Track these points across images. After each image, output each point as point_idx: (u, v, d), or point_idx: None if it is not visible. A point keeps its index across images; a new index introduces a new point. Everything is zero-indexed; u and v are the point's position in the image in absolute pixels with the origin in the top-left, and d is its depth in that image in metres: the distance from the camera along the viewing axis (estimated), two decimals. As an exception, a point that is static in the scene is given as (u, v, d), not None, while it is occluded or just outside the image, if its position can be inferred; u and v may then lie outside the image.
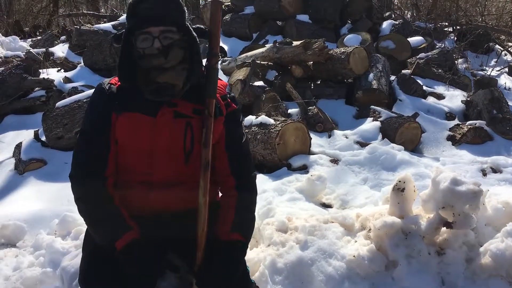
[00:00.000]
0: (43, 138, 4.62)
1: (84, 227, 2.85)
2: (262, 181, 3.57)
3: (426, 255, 2.53)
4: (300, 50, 5.25)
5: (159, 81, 1.64)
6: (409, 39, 6.97)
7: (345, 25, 7.75)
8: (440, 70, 6.04)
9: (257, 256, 2.58)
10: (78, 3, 17.08)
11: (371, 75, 5.16)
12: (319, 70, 5.46)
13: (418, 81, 5.54)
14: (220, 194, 1.92)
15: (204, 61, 1.75)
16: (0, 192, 3.90)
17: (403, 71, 5.85)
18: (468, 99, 5.20)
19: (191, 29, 1.70)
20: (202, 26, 1.78)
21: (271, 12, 7.80)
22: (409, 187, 2.69)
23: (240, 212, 1.80)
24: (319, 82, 5.57)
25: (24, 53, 8.05)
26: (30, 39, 10.48)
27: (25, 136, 4.89)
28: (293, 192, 3.40)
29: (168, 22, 1.63)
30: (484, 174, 3.76)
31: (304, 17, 7.58)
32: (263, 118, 4.10)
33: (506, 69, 7.18)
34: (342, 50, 5.33)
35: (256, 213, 2.96)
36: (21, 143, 4.54)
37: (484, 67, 7.45)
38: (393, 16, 9.06)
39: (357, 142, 4.29)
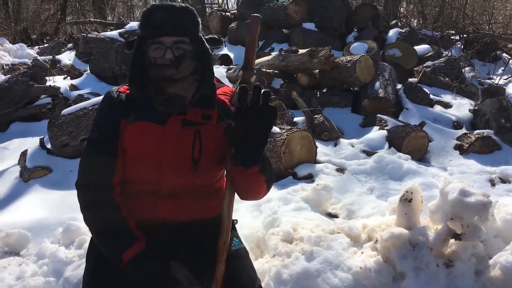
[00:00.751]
0: (49, 146, 4.62)
1: (87, 236, 2.83)
2: (267, 190, 3.54)
3: (434, 267, 2.49)
4: (306, 58, 5.24)
5: (170, 92, 1.62)
6: (415, 47, 6.95)
7: (351, 33, 7.75)
8: (447, 79, 6.00)
9: (262, 267, 2.54)
10: (85, 11, 17.22)
11: (377, 84, 5.14)
12: (325, 78, 5.44)
13: (425, 89, 5.51)
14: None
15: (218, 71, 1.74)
16: (5, 200, 3.90)
17: (409, 79, 5.82)
18: (476, 108, 5.16)
19: (204, 40, 1.68)
20: (215, 36, 1.76)
21: (277, 20, 7.80)
22: (417, 197, 2.65)
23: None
24: (325, 90, 5.55)
25: (31, 61, 8.10)
26: (37, 47, 10.56)
27: (31, 143, 4.89)
28: (299, 201, 3.37)
29: (181, 33, 1.61)
30: (493, 184, 3.71)
31: (310, 25, 7.58)
32: (268, 126, 4.07)
33: (514, 78, 7.14)
34: (348, 58, 5.31)
35: (261, 223, 2.96)
36: (26, 150, 4.54)
37: (492, 76, 7.41)
38: (399, 24, 9.04)
39: (364, 151, 4.26)
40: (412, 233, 2.56)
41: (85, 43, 8.35)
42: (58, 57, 8.50)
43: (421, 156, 4.39)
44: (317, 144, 4.14)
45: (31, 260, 2.90)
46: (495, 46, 8.18)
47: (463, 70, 6.73)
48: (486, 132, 4.57)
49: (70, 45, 9.71)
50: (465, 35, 8.63)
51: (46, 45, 10.45)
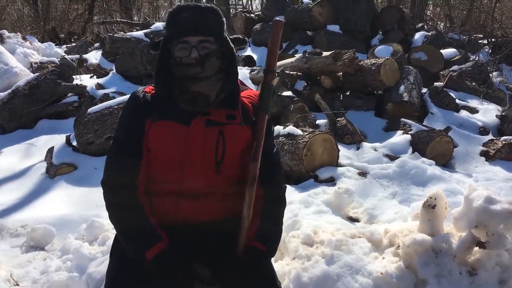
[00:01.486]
0: (74, 143, 4.71)
1: (111, 233, 2.88)
2: (289, 192, 3.50)
3: (457, 275, 2.45)
4: (329, 61, 5.22)
5: (194, 90, 1.64)
6: (442, 51, 6.85)
7: (376, 35, 7.68)
8: (474, 83, 5.90)
9: (281, 269, 2.54)
10: (112, 11, 17.48)
11: (402, 87, 5.08)
12: (348, 81, 5.41)
13: (451, 94, 5.42)
14: None
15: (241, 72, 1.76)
16: (31, 195, 3.99)
17: (435, 83, 5.74)
18: (503, 113, 5.06)
19: (229, 40, 1.70)
20: (240, 36, 1.78)
21: (301, 22, 7.79)
22: (441, 204, 2.61)
23: (265, 222, 1.79)
24: (348, 93, 5.52)
25: (59, 59, 8.27)
26: (65, 46, 10.77)
27: (57, 140, 4.99)
28: (320, 204, 3.36)
29: (206, 32, 1.64)
30: (519, 192, 3.63)
31: (334, 27, 7.54)
32: (290, 128, 4.07)
33: (544, 84, 6.97)
34: (373, 61, 5.27)
35: (282, 225, 2.96)
36: (53, 147, 4.63)
37: (520, 81, 7.25)
38: (425, 27, 8.92)
39: (386, 155, 4.21)
40: (435, 239, 2.53)
41: (111, 42, 8.49)
42: (85, 56, 8.65)
43: (445, 161, 4.32)
44: (339, 147, 4.11)
45: (55, 255, 2.96)
46: (524, 50, 7.99)
47: (490, 74, 6.60)
48: (514, 138, 4.48)
49: (97, 44, 9.88)
50: (493, 39, 8.46)
51: (73, 44, 10.66)
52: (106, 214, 3.46)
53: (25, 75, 6.76)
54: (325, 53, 5.33)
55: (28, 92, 5.76)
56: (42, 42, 9.87)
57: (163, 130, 1.71)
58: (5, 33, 8.53)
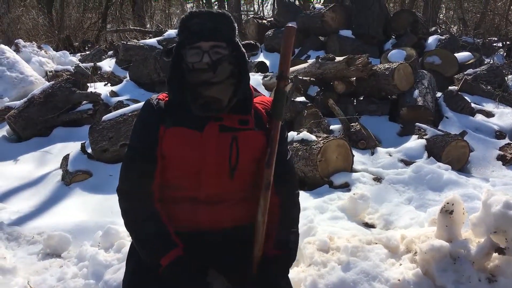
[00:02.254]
0: (89, 151, 4.75)
1: (126, 240, 2.89)
2: (303, 198, 3.52)
3: (476, 282, 2.42)
4: (343, 66, 5.20)
5: (206, 95, 1.65)
6: (456, 54, 6.79)
7: (389, 40, 7.64)
8: (489, 87, 5.83)
9: (297, 276, 2.53)
10: (125, 19, 17.67)
11: (416, 92, 5.04)
12: (362, 86, 5.39)
13: (466, 98, 5.37)
14: None
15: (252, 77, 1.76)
16: (47, 202, 4.03)
17: (450, 87, 5.69)
18: (520, 117, 4.99)
19: (241, 45, 1.71)
20: (252, 42, 1.78)
21: (314, 27, 7.78)
22: (458, 209, 2.58)
23: (282, 230, 1.78)
24: (361, 98, 5.49)
25: (73, 67, 8.36)
26: (79, 54, 10.90)
27: (72, 148, 5.04)
28: (335, 210, 3.34)
29: (218, 38, 1.64)
30: (538, 197, 3.56)
31: (347, 32, 7.52)
32: (304, 134, 4.06)
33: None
34: (387, 66, 5.24)
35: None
36: (68, 155, 4.68)
37: (536, 84, 7.13)
38: (438, 31, 8.85)
39: (401, 160, 4.18)
40: (453, 245, 2.50)
41: (124, 50, 8.57)
42: (99, 64, 8.74)
43: (461, 166, 4.27)
44: (354, 152, 4.09)
45: (71, 262, 2.98)
46: (540, 53, 7.90)
47: (506, 78, 6.52)
48: (531, 142, 4.41)
49: (110, 52, 9.98)
50: (508, 42, 8.37)
51: (87, 52, 10.78)
52: (121, 221, 3.47)
53: (41, 84, 6.86)
54: (338, 58, 5.31)
55: (44, 100, 5.82)
56: (56, 51, 10.00)
57: (177, 137, 1.71)
58: (21, 42, 8.67)
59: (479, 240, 2.56)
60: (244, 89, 1.73)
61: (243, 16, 13.25)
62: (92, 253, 2.85)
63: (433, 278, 2.46)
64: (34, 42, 9.41)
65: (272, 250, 1.74)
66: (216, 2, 19.37)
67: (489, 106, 5.50)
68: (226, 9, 18.73)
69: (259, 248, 1.74)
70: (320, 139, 3.96)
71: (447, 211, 2.58)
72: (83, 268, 2.83)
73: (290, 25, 1.78)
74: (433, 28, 8.74)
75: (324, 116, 4.83)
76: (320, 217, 3.24)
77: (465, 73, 6.09)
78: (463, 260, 2.46)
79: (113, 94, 6.49)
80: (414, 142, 4.41)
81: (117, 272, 2.38)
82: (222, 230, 1.77)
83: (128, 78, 7.19)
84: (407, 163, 4.11)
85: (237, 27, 1.74)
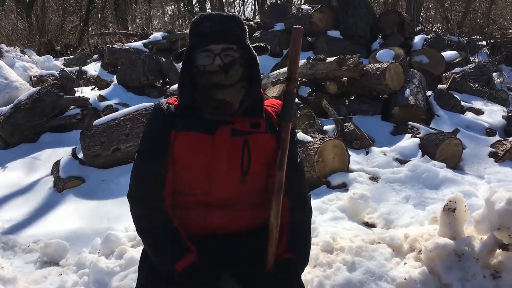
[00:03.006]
0: (81, 156, 4.67)
1: (127, 246, 2.85)
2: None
3: (481, 279, 2.43)
4: (334, 66, 5.21)
5: (218, 98, 1.63)
6: (442, 53, 6.86)
7: (376, 40, 7.69)
8: (477, 85, 5.91)
9: (303, 278, 2.49)
10: (107, 22, 17.49)
11: (407, 91, 5.08)
12: (353, 86, 5.41)
13: (456, 96, 5.43)
14: None
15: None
16: (40, 210, 3.94)
17: (439, 86, 5.75)
18: (510, 114, 5.06)
19: (251, 47, 1.69)
20: (262, 44, 1.77)
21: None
22: (461, 207, 2.60)
23: (294, 234, 1.77)
24: (353, 98, 5.51)
25: (58, 72, 8.23)
26: (62, 58, 10.75)
27: (61, 153, 4.95)
28: (335, 211, 3.34)
29: (229, 40, 1.63)
30: (533, 193, 3.62)
31: (335, 33, 7.55)
32: (300, 135, 4.06)
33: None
34: (378, 66, 5.27)
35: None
36: (59, 160, 4.59)
37: (521, 81, 7.27)
38: (424, 30, 8.95)
39: (396, 159, 4.20)
40: (457, 243, 2.51)
41: (110, 54, 8.48)
42: (84, 68, 8.63)
43: (454, 164, 4.31)
44: (349, 152, 4.10)
45: (71, 270, 2.92)
46: (524, 51, 8.03)
47: (492, 75, 6.61)
48: (522, 139, 4.48)
49: (95, 56, 9.86)
50: (492, 40, 8.50)
51: (71, 56, 10.63)
52: (119, 227, 3.43)
53: (26, 89, 6.73)
54: (329, 59, 5.32)
55: (31, 106, 5.71)
56: (38, 55, 9.83)
57: (188, 141, 1.69)
58: (4, 47, 8.50)
59: (482, 237, 2.58)
60: (255, 92, 1.71)
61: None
62: (92, 260, 2.80)
63: (438, 276, 2.47)
64: (17, 47, 9.23)
65: (284, 254, 1.73)
66: (198, 4, 19.32)
67: (477, 104, 5.58)
68: (209, 10, 18.67)
69: (272, 251, 1.73)
70: (316, 139, 3.95)
71: (450, 209, 2.60)
72: (83, 276, 2.78)
73: (297, 26, 1.77)
74: (419, 28, 8.83)
75: (317, 117, 4.83)
76: (321, 218, 3.23)
77: (453, 71, 6.16)
78: (468, 257, 2.48)
79: (101, 98, 6.40)
80: (408, 141, 4.44)
81: (125, 279, 2.34)
82: (233, 234, 1.75)
83: (115, 82, 7.11)
84: (402, 162, 4.13)
85: (247, 29, 1.73)
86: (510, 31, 8.88)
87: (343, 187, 3.78)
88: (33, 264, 3.06)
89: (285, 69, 5.64)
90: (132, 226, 3.23)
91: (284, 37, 7.91)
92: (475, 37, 8.82)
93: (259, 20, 9.04)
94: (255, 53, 1.72)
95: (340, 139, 4.07)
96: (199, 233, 1.73)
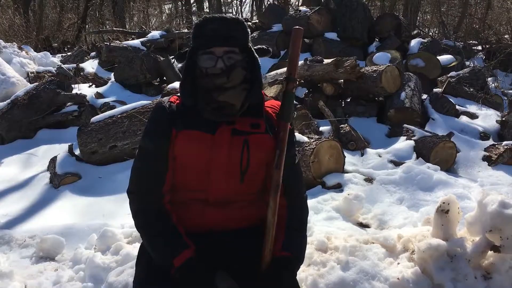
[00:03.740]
0: (77, 152, 4.68)
1: (123, 242, 2.87)
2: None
3: (473, 279, 2.47)
4: (331, 68, 5.25)
5: (219, 100, 1.66)
6: (438, 57, 6.92)
7: (372, 43, 7.75)
8: (471, 89, 5.97)
9: (298, 276, 2.53)
10: (104, 20, 17.45)
11: (403, 94, 5.13)
12: (350, 88, 5.45)
13: (451, 100, 5.48)
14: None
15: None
16: (36, 205, 3.96)
17: (434, 89, 5.80)
18: (504, 119, 5.12)
19: (253, 50, 1.72)
20: (264, 46, 1.80)
21: (299, 29, 7.81)
22: (454, 209, 2.64)
23: (291, 233, 1.80)
24: (349, 100, 5.55)
25: (55, 69, 8.22)
26: (59, 55, 10.72)
27: (58, 150, 4.97)
28: (330, 211, 3.37)
29: (232, 43, 1.65)
30: (525, 196, 3.67)
31: (332, 35, 7.60)
32: (296, 135, 4.08)
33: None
34: (374, 69, 5.31)
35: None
36: (55, 157, 4.60)
37: (515, 86, 7.35)
38: (421, 33, 9.02)
39: (391, 161, 4.24)
40: (450, 244, 2.55)
41: (108, 51, 8.48)
42: (81, 65, 8.62)
43: (448, 167, 4.35)
44: (344, 153, 4.13)
45: (66, 265, 2.94)
46: (518, 56, 8.10)
47: (487, 80, 6.68)
48: (515, 143, 4.53)
49: (93, 53, 9.85)
50: (487, 45, 8.58)
51: (69, 53, 10.62)
52: (115, 223, 3.45)
53: (23, 85, 6.72)
54: (326, 61, 5.36)
55: (28, 102, 5.72)
56: (35, 51, 9.81)
57: (189, 139, 1.72)
58: (1, 43, 8.48)
59: (474, 239, 2.62)
60: (256, 94, 1.74)
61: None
62: (88, 255, 2.82)
63: (431, 276, 2.51)
64: (15, 43, 9.21)
65: (281, 252, 1.76)
66: (195, 4, 19.33)
67: (472, 108, 5.63)
68: (207, 9, 18.70)
69: (268, 249, 1.76)
70: (312, 140, 3.99)
71: (443, 211, 2.64)
72: (79, 271, 2.80)
73: (297, 27, 1.80)
74: (415, 31, 8.89)
75: (313, 118, 4.86)
76: (315, 218, 3.27)
77: (449, 75, 6.21)
78: (460, 258, 2.52)
79: (99, 95, 6.42)
80: (403, 143, 4.48)
81: (121, 274, 2.36)
82: (231, 231, 1.78)
83: (113, 79, 7.12)
84: (396, 163, 4.17)
85: (249, 32, 1.76)
86: (506, 36, 8.96)
87: (338, 187, 3.82)
88: (29, 259, 3.07)
89: (282, 70, 5.68)
90: (128, 222, 3.28)
91: (282, 38, 7.96)
92: (470, 42, 8.89)
93: (257, 21, 9.06)
94: (257, 56, 1.75)
95: (336, 140, 4.11)
96: (197, 229, 1.76)
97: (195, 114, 1.73)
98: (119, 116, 4.63)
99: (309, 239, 2.83)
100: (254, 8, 19.75)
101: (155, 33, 9.40)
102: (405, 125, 4.75)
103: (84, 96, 6.00)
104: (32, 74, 8.01)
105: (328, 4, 8.14)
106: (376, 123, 5.18)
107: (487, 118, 5.36)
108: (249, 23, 9.09)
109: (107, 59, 8.51)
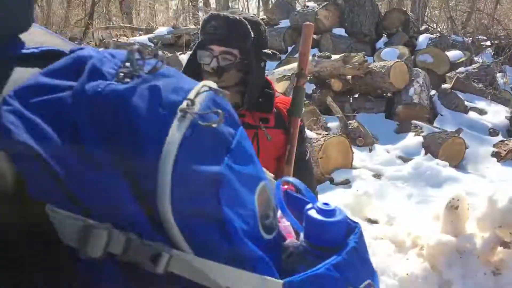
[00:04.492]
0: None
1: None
2: (305, 195, 3.55)
3: (482, 276, 2.48)
4: (339, 64, 5.24)
5: None
6: (447, 53, 6.88)
7: (380, 38, 7.71)
8: (480, 85, 5.94)
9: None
10: (111, 16, 17.50)
11: (411, 90, 5.12)
12: (358, 84, 5.44)
13: (459, 95, 5.46)
14: None
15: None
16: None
17: (443, 85, 5.77)
18: (513, 115, 5.10)
19: (255, 53, 1.69)
20: (269, 52, 1.77)
21: (307, 25, 7.80)
22: (463, 205, 2.64)
23: None
24: (357, 96, 5.55)
25: (63, 65, 8.26)
26: (67, 51, 10.75)
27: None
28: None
29: (230, 44, 1.64)
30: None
31: (340, 31, 7.57)
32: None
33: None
34: (383, 64, 5.30)
35: (303, 228, 2.99)
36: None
37: (525, 82, 7.28)
38: (429, 29, 8.96)
39: (399, 157, 4.24)
40: (459, 240, 2.55)
41: (115, 47, 8.49)
42: (89, 61, 8.66)
43: (457, 163, 4.35)
44: (353, 149, 4.13)
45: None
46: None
47: (496, 76, 6.64)
48: (525, 139, 4.51)
49: (100, 49, 9.88)
50: (496, 41, 8.51)
51: (76, 49, 10.65)
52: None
53: (32, 81, 6.76)
54: (334, 56, 5.35)
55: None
56: (44, 48, 9.84)
57: None
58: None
59: (483, 235, 2.62)
60: (248, 98, 1.71)
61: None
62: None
63: (440, 272, 2.51)
64: (23, 39, 9.26)
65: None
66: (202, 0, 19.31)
67: (481, 104, 5.60)
68: (214, 5, 18.68)
69: None
70: (320, 136, 3.99)
71: (453, 207, 2.64)
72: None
73: (308, 22, 1.80)
74: (423, 27, 8.85)
75: (321, 114, 4.86)
76: (324, 214, 3.27)
77: (457, 71, 6.18)
78: (469, 254, 2.52)
79: (107, 91, 6.44)
80: (411, 139, 4.48)
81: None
82: None
83: (120, 75, 7.14)
84: (405, 160, 4.17)
85: (252, 35, 1.71)
86: (515, 32, 8.89)
87: (347, 183, 3.82)
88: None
89: (290, 66, 5.67)
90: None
91: (289, 34, 7.94)
92: (479, 37, 8.82)
93: (264, 17, 9.05)
94: (256, 59, 1.73)
95: (344, 136, 4.11)
96: None
97: None
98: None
99: (318, 235, 2.85)
100: (261, 3, 19.71)
101: (162, 29, 9.42)
102: (413, 121, 4.74)
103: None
104: (41, 70, 8.06)
105: (335, 0, 8.11)
106: (384, 119, 5.17)
107: (496, 114, 5.33)
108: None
109: (115, 55, 8.53)
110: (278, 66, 6.51)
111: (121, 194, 0.42)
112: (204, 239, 0.44)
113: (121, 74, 0.47)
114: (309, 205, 0.56)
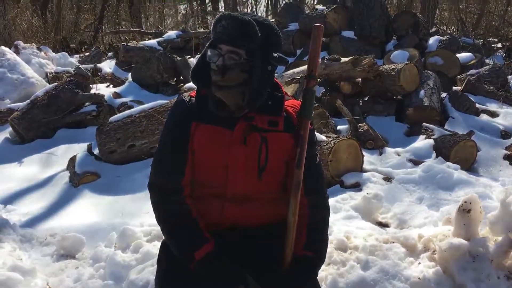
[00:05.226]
0: (96, 152, 4.73)
1: (143, 241, 2.89)
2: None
3: (495, 280, 2.44)
4: (348, 67, 5.22)
5: (216, 96, 1.70)
6: (457, 55, 6.83)
7: (390, 41, 7.67)
8: (492, 87, 5.88)
9: (318, 275, 2.53)
10: (121, 20, 17.60)
11: (422, 92, 5.08)
12: (367, 86, 5.41)
13: (470, 98, 5.41)
14: None
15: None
16: (57, 204, 4.01)
17: (454, 87, 5.72)
18: (525, 117, 5.03)
19: (261, 55, 1.67)
20: (277, 55, 1.75)
21: (316, 28, 7.78)
22: (476, 208, 2.61)
23: (312, 232, 1.80)
24: (367, 99, 5.51)
25: (73, 69, 8.31)
26: (77, 55, 10.84)
27: (77, 149, 5.02)
28: (349, 210, 3.35)
29: (236, 44, 1.66)
30: (548, 196, 3.59)
31: (349, 33, 7.55)
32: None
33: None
34: (392, 67, 5.26)
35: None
36: (75, 156, 4.65)
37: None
38: (439, 31, 8.90)
39: (410, 160, 4.21)
40: (472, 244, 2.52)
41: (125, 52, 8.55)
42: (99, 65, 8.70)
43: (469, 166, 4.30)
44: (363, 152, 4.10)
45: (87, 263, 2.97)
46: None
47: (508, 78, 6.56)
48: (537, 142, 4.45)
49: (110, 54, 9.94)
50: (507, 43, 8.44)
51: (86, 54, 10.72)
52: (134, 222, 3.47)
53: (42, 85, 6.82)
54: (343, 59, 5.33)
55: (47, 102, 5.79)
56: (54, 52, 9.92)
57: (208, 133, 1.73)
58: (20, 43, 8.60)
59: (496, 238, 2.59)
60: (250, 100, 1.69)
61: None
62: (109, 253, 2.84)
63: (453, 276, 2.48)
64: (33, 44, 9.34)
65: (301, 251, 1.76)
66: (210, 3, 19.37)
67: (492, 106, 5.55)
68: (223, 9, 18.72)
69: (289, 248, 1.75)
70: (330, 139, 3.97)
71: (465, 210, 2.61)
72: (99, 269, 2.82)
73: (318, 24, 1.79)
74: (433, 29, 8.78)
75: (331, 117, 4.84)
76: (334, 217, 3.24)
77: (468, 73, 6.12)
78: (482, 258, 2.49)
79: (116, 95, 6.47)
80: (422, 142, 4.44)
81: (142, 272, 2.38)
82: (251, 228, 1.78)
83: (130, 79, 7.17)
84: (416, 163, 4.13)
85: (260, 36, 1.69)
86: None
87: (357, 186, 3.79)
88: (50, 256, 3.11)
89: (299, 69, 5.66)
90: (147, 221, 3.31)
91: (298, 37, 7.93)
92: (490, 39, 8.75)
93: (273, 20, 9.04)
94: (274, 62, 1.72)
95: (354, 139, 4.08)
96: (217, 225, 1.77)
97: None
98: (137, 115, 4.66)
99: (328, 238, 2.83)
100: (269, 7, 19.73)
101: (171, 33, 9.46)
102: (424, 123, 4.70)
103: (102, 96, 6.06)
104: (51, 75, 8.11)
105: (345, 2, 8.09)
106: (394, 122, 5.13)
107: (508, 116, 5.27)
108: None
109: (124, 59, 8.58)
110: (287, 69, 6.50)
111: None
112: None
113: None
114: None
